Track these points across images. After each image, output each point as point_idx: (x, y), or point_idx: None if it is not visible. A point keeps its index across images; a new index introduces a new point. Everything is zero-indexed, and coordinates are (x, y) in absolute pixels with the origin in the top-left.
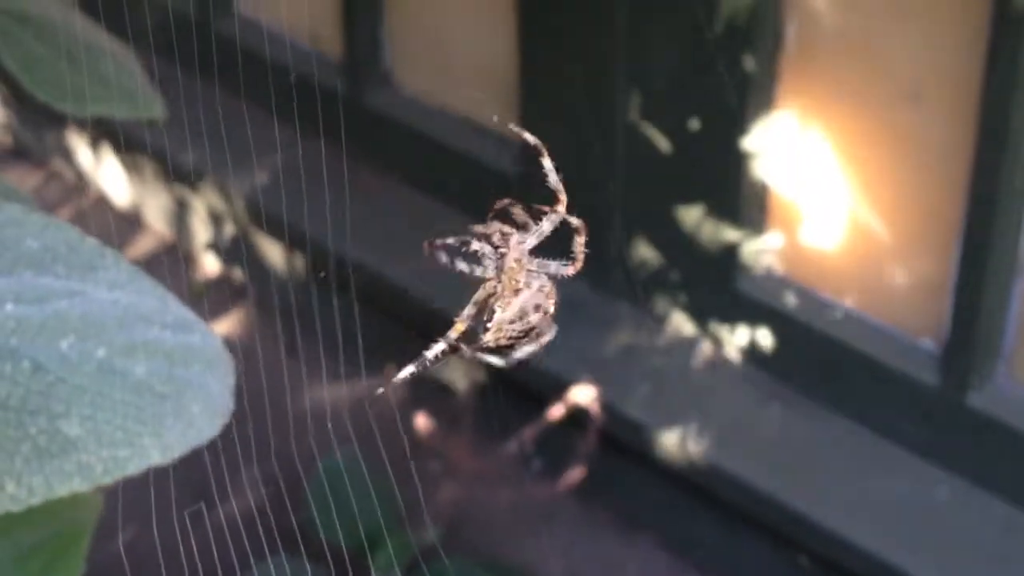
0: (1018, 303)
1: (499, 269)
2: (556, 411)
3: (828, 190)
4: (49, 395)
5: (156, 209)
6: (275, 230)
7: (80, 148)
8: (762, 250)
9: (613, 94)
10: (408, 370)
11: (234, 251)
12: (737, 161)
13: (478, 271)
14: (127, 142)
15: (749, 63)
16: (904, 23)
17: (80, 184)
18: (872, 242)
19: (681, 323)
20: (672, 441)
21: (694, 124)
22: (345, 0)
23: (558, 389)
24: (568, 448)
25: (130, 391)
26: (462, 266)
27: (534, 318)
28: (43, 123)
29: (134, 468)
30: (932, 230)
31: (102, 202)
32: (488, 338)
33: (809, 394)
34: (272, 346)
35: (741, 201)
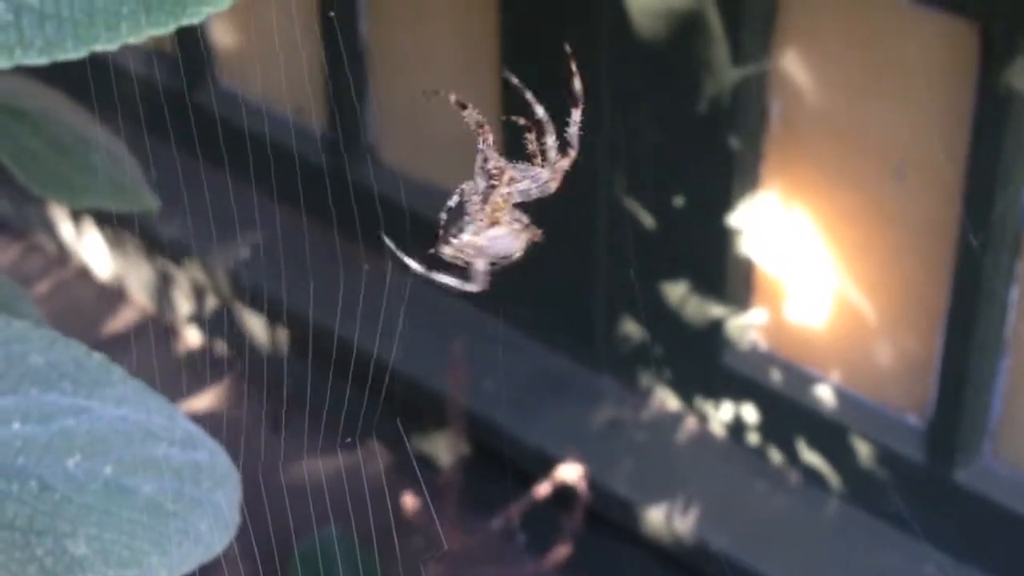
0: (1004, 380)
1: (485, 198)
2: (542, 488)
3: (813, 267)
4: (55, 515)
5: (138, 282)
6: (258, 303)
7: (61, 220)
8: (747, 326)
9: (597, 170)
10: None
11: (217, 324)
12: (722, 237)
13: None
14: (109, 215)
15: (734, 141)
16: (889, 102)
17: (61, 256)
18: (857, 318)
19: (666, 398)
20: (657, 517)
21: (679, 200)
22: (329, 73)
23: (542, 463)
24: (553, 524)
25: (137, 509)
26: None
27: (478, 264)
28: (23, 195)
29: None
30: (917, 307)
31: (83, 275)
32: (446, 251)
33: (794, 470)
34: (256, 419)
35: (726, 277)
